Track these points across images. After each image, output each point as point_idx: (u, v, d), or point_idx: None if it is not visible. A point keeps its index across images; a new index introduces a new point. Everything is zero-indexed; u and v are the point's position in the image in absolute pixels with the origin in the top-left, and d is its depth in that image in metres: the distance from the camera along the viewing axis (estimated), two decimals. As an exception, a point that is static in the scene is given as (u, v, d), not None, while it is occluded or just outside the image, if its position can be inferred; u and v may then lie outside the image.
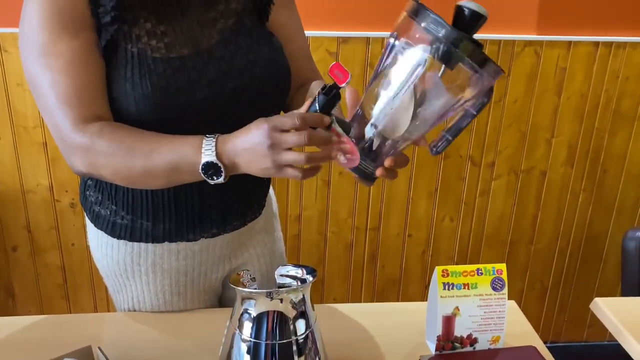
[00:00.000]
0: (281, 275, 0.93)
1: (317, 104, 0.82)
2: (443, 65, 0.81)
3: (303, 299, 0.87)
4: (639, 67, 1.98)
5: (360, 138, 0.86)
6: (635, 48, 1.95)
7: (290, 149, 0.82)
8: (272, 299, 0.85)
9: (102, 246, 1.09)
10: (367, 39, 1.83)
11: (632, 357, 1.18)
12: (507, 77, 1.95)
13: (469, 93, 0.84)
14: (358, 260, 2.15)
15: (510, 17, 1.88)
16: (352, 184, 2.02)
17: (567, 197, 2.16)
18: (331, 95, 0.81)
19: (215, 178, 0.87)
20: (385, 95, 0.83)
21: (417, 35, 0.82)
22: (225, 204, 1.09)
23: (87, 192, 1.09)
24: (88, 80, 0.89)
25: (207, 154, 0.85)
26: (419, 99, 0.83)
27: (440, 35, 0.78)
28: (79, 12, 0.88)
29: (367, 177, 0.87)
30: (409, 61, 0.83)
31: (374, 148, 0.85)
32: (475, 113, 0.86)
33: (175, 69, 0.93)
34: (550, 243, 2.23)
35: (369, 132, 0.85)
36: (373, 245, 2.13)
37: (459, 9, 0.81)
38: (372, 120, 0.84)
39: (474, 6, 0.80)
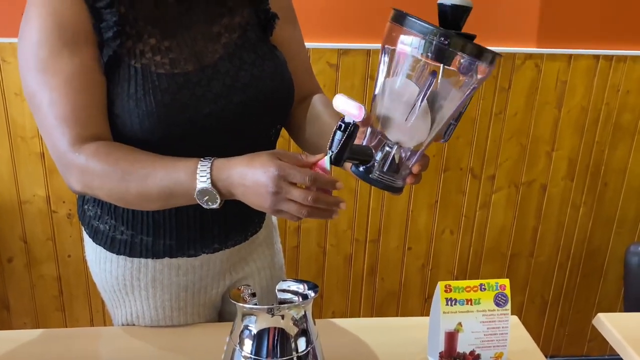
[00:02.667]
0: (282, 291, 0.92)
1: (336, 143, 0.80)
2: (442, 66, 0.80)
3: (304, 316, 0.85)
4: (639, 81, 1.98)
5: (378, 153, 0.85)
6: (636, 62, 1.95)
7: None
8: (273, 315, 0.83)
9: (100, 261, 1.08)
10: (368, 50, 1.82)
11: (637, 374, 1.16)
12: (507, 90, 1.95)
13: (474, 82, 0.83)
14: (357, 272, 2.13)
15: (511, 29, 1.88)
16: (351, 195, 2.01)
17: (568, 211, 2.15)
18: (350, 132, 0.79)
19: (210, 204, 0.85)
20: (397, 111, 0.83)
21: (407, 43, 0.81)
22: (227, 219, 1.07)
23: (86, 207, 1.08)
24: (87, 99, 0.87)
25: (202, 181, 0.83)
26: (431, 104, 0.82)
27: (430, 37, 0.77)
28: (80, 27, 0.87)
29: (395, 190, 0.86)
30: (413, 73, 0.82)
31: (396, 162, 0.85)
32: (472, 95, 0.85)
33: (180, 85, 0.91)
34: (550, 257, 2.22)
35: (389, 149, 0.84)
36: (372, 257, 2.11)
37: (442, 7, 0.80)
38: (390, 138, 0.83)
39: (456, 0, 0.79)
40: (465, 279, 2.20)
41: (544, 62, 1.92)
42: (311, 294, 0.87)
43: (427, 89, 0.81)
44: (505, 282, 1.08)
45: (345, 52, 1.81)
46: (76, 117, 0.87)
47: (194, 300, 1.12)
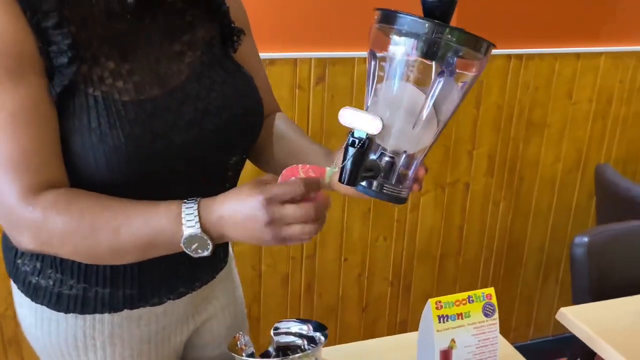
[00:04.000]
0: (282, 334, 0.81)
1: (350, 161, 0.71)
2: (446, 64, 0.74)
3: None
4: (546, 77, 2.08)
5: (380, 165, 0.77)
6: (543, 59, 2.04)
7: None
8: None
9: (42, 323, 0.90)
10: (295, 60, 1.74)
11: (611, 363, 1.19)
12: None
13: (475, 76, 0.78)
14: (295, 291, 2.04)
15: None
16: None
17: (490, 207, 2.21)
18: (365, 147, 0.71)
19: (200, 252, 0.74)
20: (399, 119, 0.75)
21: (399, 44, 0.75)
22: (193, 257, 0.95)
23: (19, 261, 0.90)
24: (38, 138, 0.72)
25: (190, 226, 0.73)
26: (436, 106, 0.75)
27: (428, 32, 0.71)
28: (24, 53, 0.72)
29: (401, 201, 0.79)
30: (413, 76, 0.76)
31: (399, 171, 0.77)
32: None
33: (149, 112, 0.78)
34: (476, 254, 2.27)
35: (389, 159, 0.76)
36: (310, 274, 2.03)
37: (428, 3, 0.74)
38: (392, 147, 0.76)
39: None
40: (400, 284, 2.19)
41: (462, 64, 1.95)
42: (321, 338, 0.77)
43: (435, 91, 0.74)
44: (491, 291, 1.07)
45: (272, 61, 1.72)
46: (26, 161, 0.71)
47: (157, 352, 0.98)
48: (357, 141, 0.70)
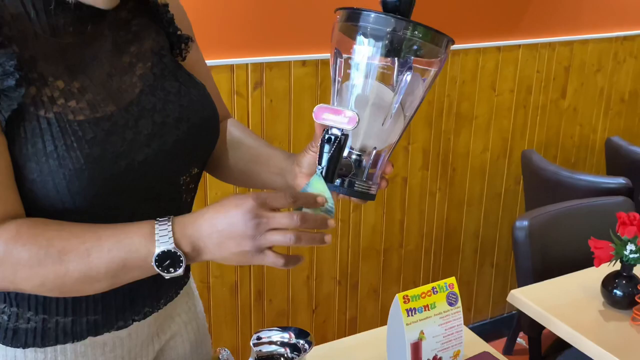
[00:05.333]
0: (263, 344, 0.80)
1: (326, 158, 0.71)
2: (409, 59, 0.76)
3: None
4: (471, 71, 2.17)
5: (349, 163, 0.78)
6: (467, 54, 2.13)
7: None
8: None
9: (-1, 361, 0.84)
10: (231, 66, 1.72)
11: (564, 339, 1.26)
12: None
13: (437, 70, 0.80)
14: (245, 300, 2.01)
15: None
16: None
17: (427, 199, 2.28)
18: (341, 144, 0.71)
19: (172, 270, 0.72)
20: (367, 117, 0.76)
21: (364, 42, 0.76)
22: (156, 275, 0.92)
23: None
24: None
25: (163, 241, 0.70)
26: (403, 102, 0.77)
27: (393, 29, 0.72)
28: None
29: (371, 197, 0.80)
30: (381, 73, 0.77)
31: (368, 169, 0.78)
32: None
33: (107, 130, 0.75)
34: (417, 244, 2.34)
35: (357, 157, 0.77)
36: (258, 280, 2.01)
37: (387, 2, 0.75)
38: (359, 144, 0.76)
39: None
40: (347, 282, 2.21)
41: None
42: (305, 345, 0.76)
43: (403, 86, 0.76)
44: (452, 280, 1.10)
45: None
46: None
47: (124, 379, 0.93)
48: (333, 138, 0.71)
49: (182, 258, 0.71)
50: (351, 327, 2.28)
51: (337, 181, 0.77)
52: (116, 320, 0.89)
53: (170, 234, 0.70)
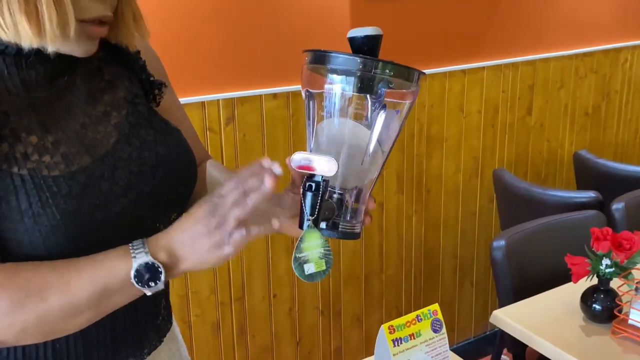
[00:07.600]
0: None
1: (309, 206, 0.72)
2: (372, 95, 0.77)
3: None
4: (439, 95, 2.21)
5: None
6: (434, 78, 2.17)
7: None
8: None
9: None
10: (202, 103, 1.72)
11: (547, 356, 1.27)
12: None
13: (408, 100, 0.81)
14: (227, 337, 1.98)
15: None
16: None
17: (404, 222, 2.30)
18: (323, 190, 0.71)
19: (152, 284, 0.73)
20: (345, 157, 0.77)
21: (335, 82, 0.77)
22: (139, 321, 0.90)
23: None
24: None
25: (140, 255, 0.72)
26: (380, 138, 0.78)
27: (362, 69, 0.73)
28: None
29: (356, 236, 0.80)
30: (354, 112, 0.78)
31: (352, 207, 0.78)
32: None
33: (83, 184, 0.74)
34: (397, 268, 2.34)
35: (339, 196, 0.77)
36: (240, 316, 1.99)
37: (356, 40, 0.77)
38: (343, 185, 0.77)
39: (368, 31, 0.77)
40: (330, 311, 2.20)
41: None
42: None
43: (377, 124, 0.77)
44: (436, 307, 1.10)
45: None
46: None
47: None
48: (313, 185, 0.71)
49: (161, 269, 0.72)
50: (336, 358, 2.26)
51: (322, 224, 0.77)
52: (97, 374, 0.86)
53: (146, 248, 0.72)
